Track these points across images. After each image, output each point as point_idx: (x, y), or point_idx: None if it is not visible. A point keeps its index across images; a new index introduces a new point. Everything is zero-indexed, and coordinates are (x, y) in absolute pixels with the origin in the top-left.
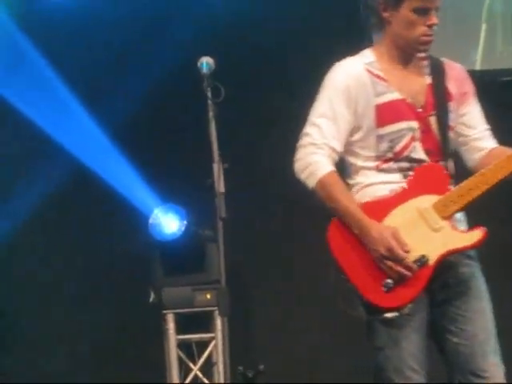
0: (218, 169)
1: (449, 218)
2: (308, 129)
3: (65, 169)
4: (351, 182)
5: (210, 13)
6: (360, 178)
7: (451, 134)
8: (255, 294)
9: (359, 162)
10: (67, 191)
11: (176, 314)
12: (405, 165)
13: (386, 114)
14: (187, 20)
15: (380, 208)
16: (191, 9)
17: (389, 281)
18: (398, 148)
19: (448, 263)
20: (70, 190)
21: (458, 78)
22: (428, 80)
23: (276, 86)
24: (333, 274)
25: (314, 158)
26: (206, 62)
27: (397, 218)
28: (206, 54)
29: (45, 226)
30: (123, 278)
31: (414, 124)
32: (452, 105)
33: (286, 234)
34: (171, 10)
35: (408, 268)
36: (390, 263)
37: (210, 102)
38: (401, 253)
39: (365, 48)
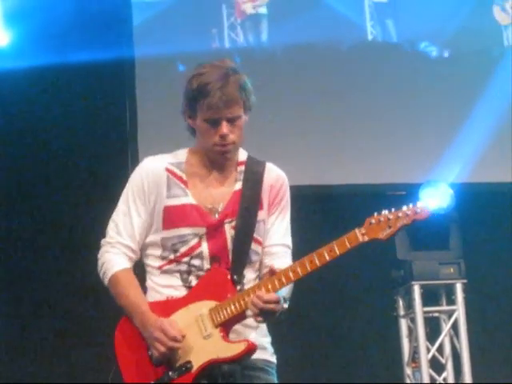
0: None
1: (221, 325)
2: (109, 225)
3: None
4: (146, 283)
5: None
6: (148, 279)
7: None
8: None
9: (148, 261)
10: None
11: None
12: (184, 268)
13: (173, 217)
14: None
15: (163, 309)
16: None
17: None
18: (179, 253)
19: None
20: None
21: (273, 186)
22: (237, 186)
23: None
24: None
25: (106, 258)
26: None
27: (176, 322)
28: None
29: None
30: None
31: (201, 230)
32: (261, 214)
33: None
34: None
35: (171, 350)
36: (159, 345)
37: None
38: (171, 336)
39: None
